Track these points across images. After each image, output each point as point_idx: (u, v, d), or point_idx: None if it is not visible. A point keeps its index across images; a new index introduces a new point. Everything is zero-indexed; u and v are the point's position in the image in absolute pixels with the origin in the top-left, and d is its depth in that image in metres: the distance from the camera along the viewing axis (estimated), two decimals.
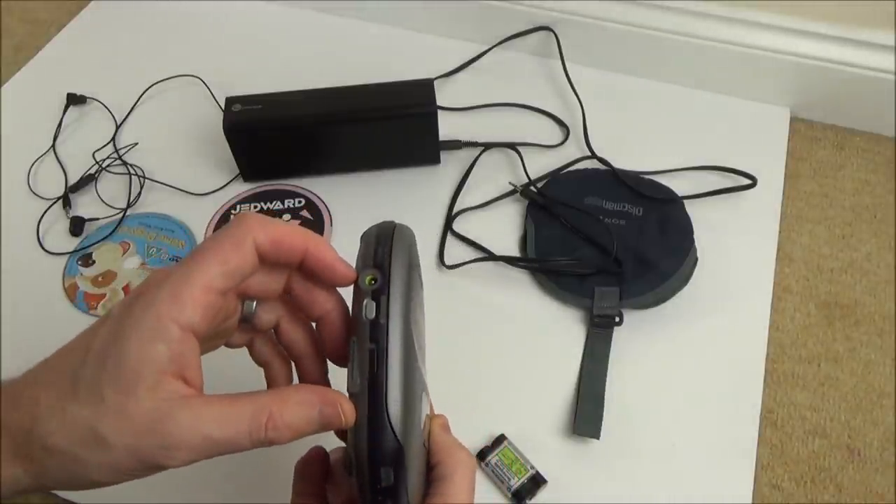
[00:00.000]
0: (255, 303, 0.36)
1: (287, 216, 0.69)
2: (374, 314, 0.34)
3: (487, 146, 0.73)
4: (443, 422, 0.39)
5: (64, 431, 0.29)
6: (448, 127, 0.73)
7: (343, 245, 0.70)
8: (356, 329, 0.34)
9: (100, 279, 0.65)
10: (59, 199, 0.71)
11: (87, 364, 0.29)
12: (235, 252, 0.32)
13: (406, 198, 0.70)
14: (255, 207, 0.70)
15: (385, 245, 0.35)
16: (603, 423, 0.55)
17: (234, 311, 0.35)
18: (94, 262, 0.67)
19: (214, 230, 0.68)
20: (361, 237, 0.37)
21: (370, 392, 0.33)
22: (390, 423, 0.33)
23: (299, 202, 0.70)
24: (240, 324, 0.37)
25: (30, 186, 0.73)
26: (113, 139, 0.76)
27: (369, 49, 0.84)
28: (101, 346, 0.30)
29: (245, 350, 0.39)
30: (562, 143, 0.74)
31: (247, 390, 0.32)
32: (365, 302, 0.34)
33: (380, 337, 0.33)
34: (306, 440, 0.37)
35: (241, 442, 0.30)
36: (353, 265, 0.36)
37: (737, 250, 0.65)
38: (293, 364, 0.39)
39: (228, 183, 0.72)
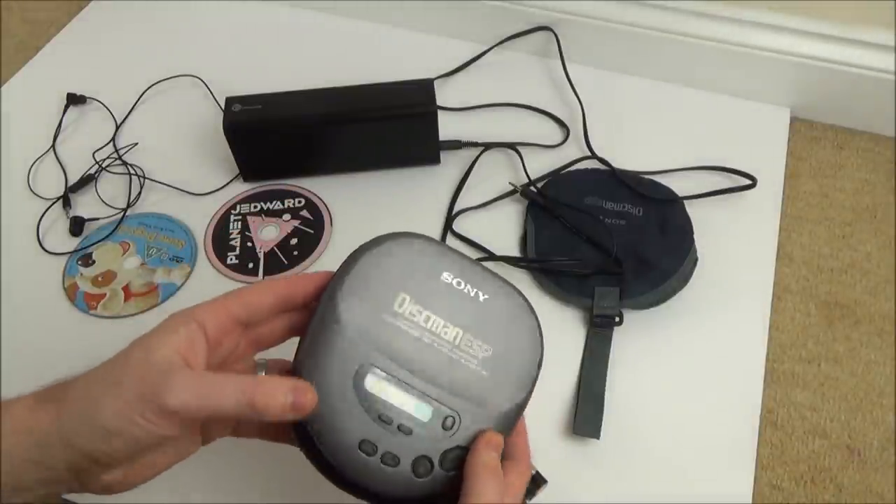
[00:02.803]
0: (266, 362, 0.43)
1: (287, 216, 0.69)
2: None
3: (487, 146, 0.73)
4: (488, 438, 0.39)
5: (89, 380, 0.36)
6: (448, 127, 0.73)
7: (343, 244, 0.71)
8: None
9: (100, 279, 0.65)
10: (59, 199, 0.71)
11: (124, 349, 0.37)
12: (252, 292, 0.40)
13: (406, 198, 0.70)
14: (255, 207, 0.70)
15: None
16: (603, 423, 0.55)
17: (242, 354, 0.42)
18: (94, 261, 0.67)
19: (214, 230, 0.68)
20: None
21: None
22: (297, 372, 0.39)
23: (299, 202, 0.70)
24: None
25: (30, 186, 0.73)
26: (113, 139, 0.76)
27: (369, 49, 0.84)
28: (138, 338, 0.37)
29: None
30: (562, 143, 0.74)
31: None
32: None
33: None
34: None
35: (228, 392, 0.35)
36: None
37: (737, 250, 0.65)
38: None
39: (228, 183, 0.72)
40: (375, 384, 0.38)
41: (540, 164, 0.71)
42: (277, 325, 0.42)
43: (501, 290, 0.43)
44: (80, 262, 0.67)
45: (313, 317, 0.40)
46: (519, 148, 0.72)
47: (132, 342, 0.37)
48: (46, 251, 0.68)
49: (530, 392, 0.41)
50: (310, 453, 0.39)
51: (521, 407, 0.41)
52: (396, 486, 0.38)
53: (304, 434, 0.38)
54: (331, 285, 0.40)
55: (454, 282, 0.41)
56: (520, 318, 0.42)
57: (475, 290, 0.42)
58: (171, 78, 0.81)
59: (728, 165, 0.70)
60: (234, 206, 0.70)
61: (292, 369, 0.39)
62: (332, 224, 0.69)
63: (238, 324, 0.40)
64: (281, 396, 0.35)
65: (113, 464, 0.35)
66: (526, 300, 0.43)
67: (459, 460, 0.39)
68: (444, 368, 0.40)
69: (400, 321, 0.40)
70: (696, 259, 0.63)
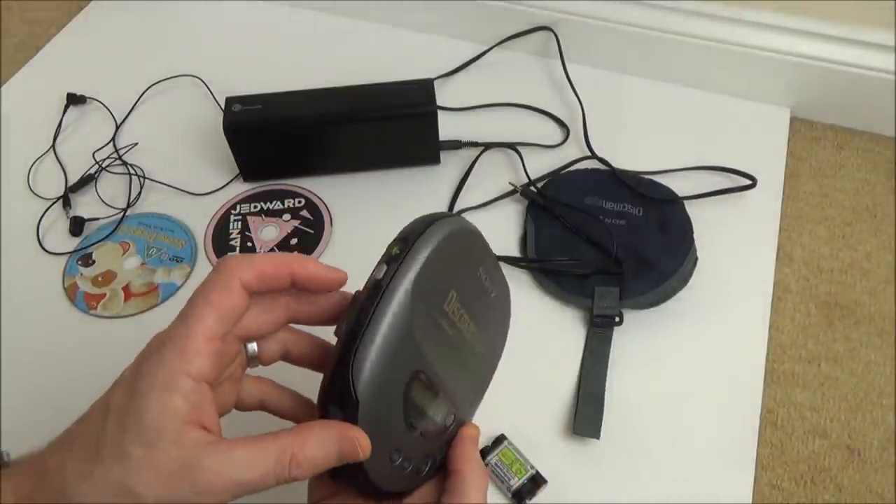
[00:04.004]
0: (254, 343, 0.37)
1: (287, 216, 0.69)
2: (380, 276, 0.35)
3: (487, 146, 0.73)
4: (473, 433, 0.40)
5: (95, 493, 0.29)
6: (448, 127, 0.73)
7: (343, 244, 0.71)
8: (363, 288, 0.35)
9: (100, 279, 0.65)
10: (59, 199, 0.71)
11: (108, 426, 0.30)
12: (224, 296, 0.33)
13: (406, 198, 0.70)
14: (255, 207, 0.70)
15: (422, 225, 0.36)
16: (603, 423, 0.55)
17: (237, 351, 0.37)
18: (94, 261, 0.67)
19: (214, 230, 0.68)
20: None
21: (343, 342, 0.34)
22: (352, 376, 0.33)
23: (299, 202, 0.70)
24: (248, 363, 0.38)
25: (30, 186, 0.73)
26: (113, 139, 0.76)
27: (369, 49, 0.84)
28: (119, 407, 0.31)
29: None
30: (562, 143, 0.74)
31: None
32: (378, 265, 0.35)
33: (374, 295, 0.34)
34: None
35: (268, 481, 0.31)
36: (344, 269, 0.37)
37: (737, 250, 0.65)
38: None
39: (228, 183, 0.72)
40: (420, 392, 0.36)
41: (540, 164, 0.72)
42: (270, 315, 0.38)
43: (504, 289, 0.43)
44: (80, 262, 0.67)
45: (369, 305, 0.34)
46: (519, 148, 0.72)
47: (113, 411, 0.31)
48: (46, 251, 0.68)
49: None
50: None
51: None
52: (398, 484, 0.38)
53: None
54: (398, 276, 0.34)
55: (483, 276, 0.40)
56: (505, 321, 0.44)
57: (491, 286, 0.41)
58: (171, 78, 0.81)
59: (728, 165, 0.70)
60: (234, 206, 0.70)
61: (334, 372, 0.34)
62: (332, 224, 0.69)
63: (222, 339, 0.34)
64: (323, 448, 0.32)
65: None
66: (509, 300, 0.44)
67: (446, 453, 0.39)
68: (462, 371, 0.39)
69: (443, 320, 0.36)
70: (696, 259, 0.63)
